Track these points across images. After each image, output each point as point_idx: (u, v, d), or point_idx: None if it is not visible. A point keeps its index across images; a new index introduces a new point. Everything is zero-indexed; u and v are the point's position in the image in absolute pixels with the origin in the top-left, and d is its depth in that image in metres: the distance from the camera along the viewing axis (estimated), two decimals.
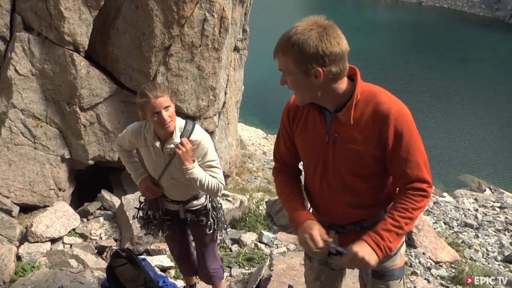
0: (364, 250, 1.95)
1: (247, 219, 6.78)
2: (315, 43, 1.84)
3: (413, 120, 2.02)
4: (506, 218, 9.32)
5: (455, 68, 27.48)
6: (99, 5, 6.21)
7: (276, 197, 8.04)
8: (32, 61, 6.21)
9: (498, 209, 9.95)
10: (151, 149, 3.16)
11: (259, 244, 5.98)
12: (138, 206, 3.62)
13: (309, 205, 2.46)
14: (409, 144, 1.97)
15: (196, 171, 3.04)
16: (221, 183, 3.17)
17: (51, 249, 5.96)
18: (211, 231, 3.43)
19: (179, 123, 3.10)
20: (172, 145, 3.04)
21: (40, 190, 6.67)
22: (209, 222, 3.40)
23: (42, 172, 6.64)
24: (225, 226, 3.60)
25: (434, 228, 7.73)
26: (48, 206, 6.66)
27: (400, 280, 2.33)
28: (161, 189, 3.32)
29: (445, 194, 11.66)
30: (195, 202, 3.37)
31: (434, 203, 10.13)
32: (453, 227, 8.55)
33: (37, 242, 5.92)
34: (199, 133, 3.09)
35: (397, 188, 2.13)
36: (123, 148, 3.37)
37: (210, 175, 3.12)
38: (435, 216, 9.14)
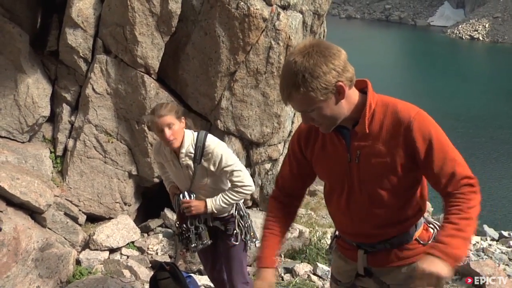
0: (432, 263, 1.74)
1: (308, 251, 6.67)
2: (323, 61, 1.83)
3: (433, 120, 1.96)
4: None
5: None
6: (170, 31, 6.60)
7: None
8: (108, 81, 6.71)
9: None
10: (171, 163, 3.39)
11: (312, 275, 5.84)
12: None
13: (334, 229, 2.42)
14: (440, 143, 1.91)
15: (216, 205, 3.26)
16: (244, 184, 3.26)
17: (108, 257, 6.22)
18: (238, 242, 3.44)
19: (190, 136, 3.28)
20: (184, 157, 3.26)
21: (106, 202, 7.05)
22: (235, 231, 3.42)
23: (109, 185, 7.03)
24: (253, 239, 3.56)
25: None
26: (113, 218, 7.00)
27: None
28: None
29: None
30: None
31: None
32: None
33: (97, 249, 6.22)
34: (211, 142, 3.26)
35: (443, 195, 1.97)
36: (157, 161, 3.67)
37: (230, 179, 3.23)
38: None
